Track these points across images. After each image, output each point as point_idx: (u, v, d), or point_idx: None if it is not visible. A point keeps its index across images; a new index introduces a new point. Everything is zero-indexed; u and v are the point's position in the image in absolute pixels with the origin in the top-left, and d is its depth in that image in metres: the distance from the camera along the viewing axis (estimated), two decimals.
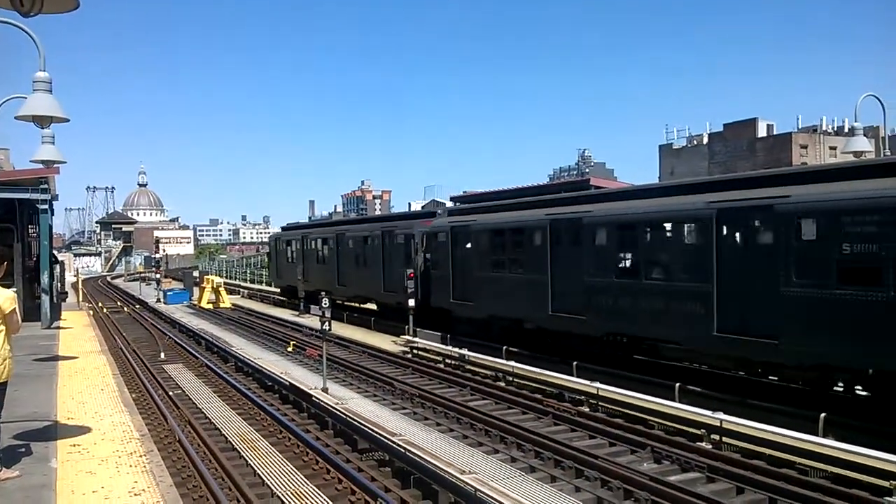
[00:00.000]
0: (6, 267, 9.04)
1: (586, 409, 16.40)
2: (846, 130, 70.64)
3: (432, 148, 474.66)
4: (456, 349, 22.83)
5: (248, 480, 11.70)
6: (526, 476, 11.79)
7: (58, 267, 38.76)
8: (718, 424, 13.41)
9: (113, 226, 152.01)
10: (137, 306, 49.68)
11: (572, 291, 19.26)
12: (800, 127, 79.86)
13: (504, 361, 20.47)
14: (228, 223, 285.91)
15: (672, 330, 16.27)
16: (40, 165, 19.37)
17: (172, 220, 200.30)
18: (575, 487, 11.54)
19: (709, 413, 13.69)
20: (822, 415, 12.73)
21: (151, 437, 12.61)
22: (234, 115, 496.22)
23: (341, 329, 29.58)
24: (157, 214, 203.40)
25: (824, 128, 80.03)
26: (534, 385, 18.76)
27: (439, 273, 26.33)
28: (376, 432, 13.45)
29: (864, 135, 20.45)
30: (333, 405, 15.73)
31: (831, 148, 73.32)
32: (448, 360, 22.99)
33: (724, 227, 15.19)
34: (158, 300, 50.97)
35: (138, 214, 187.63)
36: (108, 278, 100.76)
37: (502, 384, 19.58)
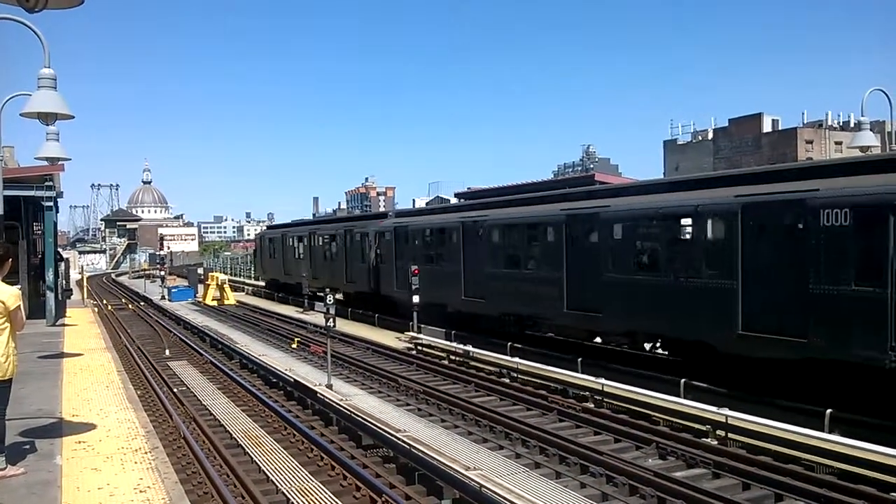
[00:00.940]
0: (11, 264, 9.03)
1: (591, 406, 16.38)
2: (852, 125, 70.39)
3: (437, 144, 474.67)
4: (460, 346, 22.83)
5: (253, 477, 11.70)
6: (531, 472, 11.76)
7: (62, 264, 38.86)
8: (724, 420, 13.38)
9: (117, 223, 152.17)
10: (142, 303, 49.75)
11: (477, 280, 24.26)
12: (805, 122, 79.61)
13: (508, 358, 20.45)
14: (233, 220, 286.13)
15: (541, 309, 21.28)
16: (45, 163, 19.41)
17: (177, 218, 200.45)
18: (580, 483, 11.52)
19: (714, 409, 13.66)
20: (829, 411, 12.69)
21: (156, 434, 12.61)
22: (238, 112, 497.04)
23: (345, 326, 29.56)
24: (161, 212, 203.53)
25: (830, 123, 79.70)
26: (538, 381, 18.74)
27: (386, 266, 31.43)
28: (381, 428, 13.44)
29: (871, 129, 20.34)
30: (338, 402, 15.74)
31: (837, 143, 73.06)
32: (452, 357, 22.98)
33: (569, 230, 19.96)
34: (163, 297, 51.03)
35: (143, 212, 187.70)
36: (113, 276, 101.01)
37: (507, 380, 19.56)
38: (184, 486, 10.04)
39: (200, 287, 50.76)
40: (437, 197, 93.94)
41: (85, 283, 49.13)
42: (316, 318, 30.06)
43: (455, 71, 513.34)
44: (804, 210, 13.51)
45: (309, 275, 40.56)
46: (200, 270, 58.19)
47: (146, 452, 10.51)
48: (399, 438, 12.66)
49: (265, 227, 58.66)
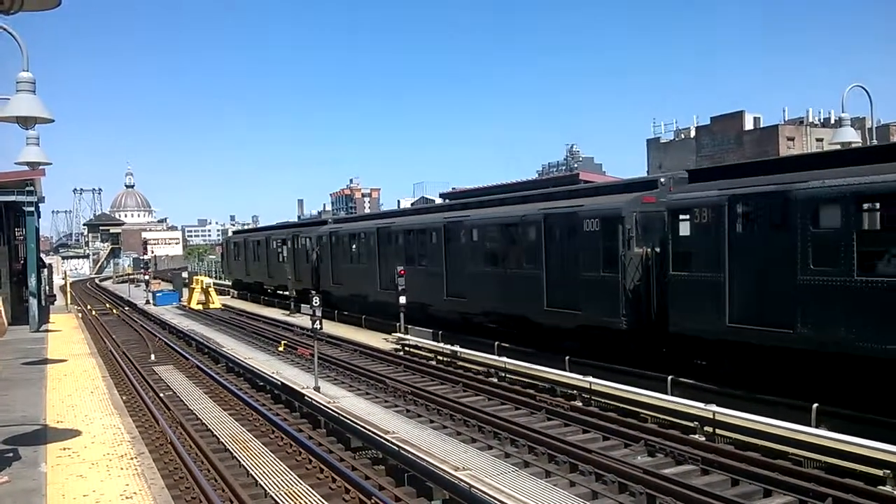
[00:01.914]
0: None
1: (579, 404, 16.40)
2: (832, 122, 70.94)
3: (422, 145, 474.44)
4: (447, 346, 22.82)
5: (241, 481, 11.63)
6: (520, 471, 11.76)
7: (45, 270, 38.54)
8: (711, 416, 13.43)
9: (100, 228, 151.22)
10: (126, 308, 49.39)
11: (391, 276, 28.55)
12: (786, 119, 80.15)
13: (496, 357, 20.45)
14: (217, 223, 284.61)
15: (430, 298, 26.84)
16: (25, 168, 19.18)
17: (160, 222, 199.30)
18: (569, 482, 11.52)
19: (701, 405, 13.72)
20: (815, 405, 12.77)
21: (143, 440, 12.54)
22: (222, 115, 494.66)
23: (332, 328, 29.48)
24: (144, 216, 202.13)
25: (811, 119, 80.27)
26: (526, 380, 18.75)
27: (324, 266, 37.22)
28: (369, 430, 13.39)
29: (851, 125, 20.48)
30: (326, 404, 15.67)
31: (818, 140, 73.62)
32: (440, 357, 22.95)
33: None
34: (147, 302, 50.68)
35: (126, 216, 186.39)
36: (97, 281, 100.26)
37: (495, 380, 19.56)
38: (171, 492, 9.96)
39: (185, 291, 50.46)
40: (422, 197, 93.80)
41: (68, 289, 48.77)
42: (303, 320, 29.95)
43: (441, 72, 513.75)
44: (574, 219, 19.58)
45: (265, 274, 46.75)
46: (185, 274, 57.90)
47: (132, 458, 10.43)
48: (388, 440, 12.62)
49: (231, 233, 70.97)
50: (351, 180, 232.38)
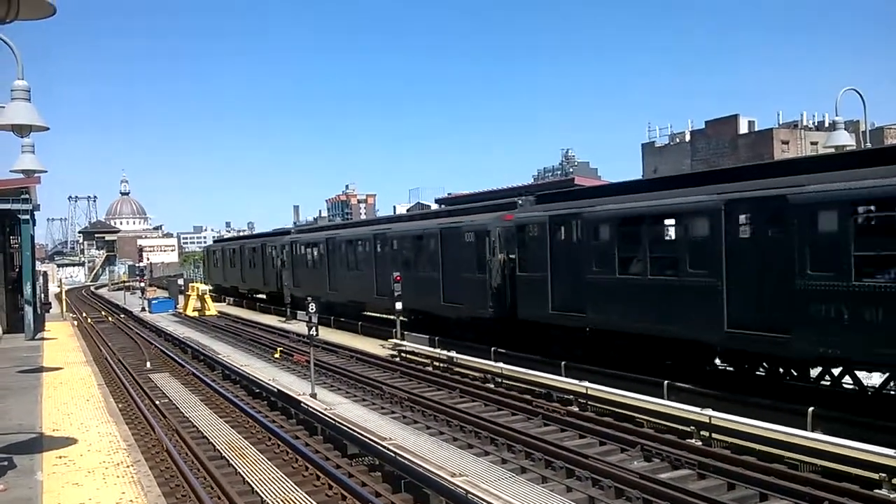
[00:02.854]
0: None
1: (576, 409, 16.40)
2: (826, 125, 71.16)
3: (418, 150, 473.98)
4: (444, 352, 22.81)
5: (238, 489, 11.62)
6: (517, 477, 11.75)
7: (41, 278, 38.51)
8: (707, 421, 13.44)
9: (96, 235, 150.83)
10: (122, 316, 49.30)
11: (336, 278, 34.94)
12: (780, 123, 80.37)
13: (492, 363, 20.46)
14: (213, 230, 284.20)
15: (363, 297, 32.68)
16: (20, 175, 19.17)
17: (156, 229, 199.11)
18: (566, 487, 11.53)
19: (697, 410, 13.73)
20: (811, 409, 12.80)
21: (138, 447, 12.53)
22: (218, 121, 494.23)
23: (328, 334, 29.48)
24: (140, 223, 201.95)
25: (805, 123, 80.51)
26: (522, 386, 18.76)
27: (287, 272, 41.33)
28: (366, 437, 13.38)
29: (845, 129, 20.57)
30: (322, 411, 15.65)
31: (812, 143, 73.82)
32: (436, 363, 22.94)
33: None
34: (143, 309, 50.59)
35: (121, 223, 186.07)
36: (92, 288, 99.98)
37: (491, 386, 19.56)
38: (167, 500, 9.96)
39: (181, 298, 50.39)
40: (418, 203, 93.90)
41: (64, 297, 48.61)
42: (299, 327, 29.93)
43: (436, 77, 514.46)
44: (459, 232, 24.66)
45: (240, 279, 52.17)
46: (181, 281, 57.88)
47: (128, 466, 10.41)
48: (384, 446, 12.61)
49: (212, 242, 78.72)
50: (347, 186, 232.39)
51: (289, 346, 28.07)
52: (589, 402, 16.46)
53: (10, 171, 18.72)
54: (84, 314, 49.77)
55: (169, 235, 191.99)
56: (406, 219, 30.69)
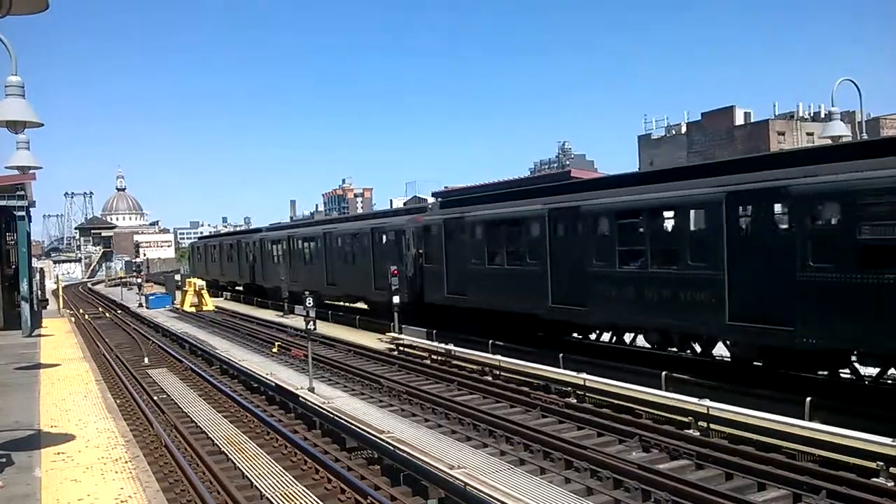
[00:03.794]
0: None
1: (573, 401, 16.42)
2: (822, 116, 71.17)
3: (415, 144, 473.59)
4: (442, 345, 22.82)
5: (237, 483, 11.61)
6: (515, 469, 11.78)
7: (37, 274, 38.43)
8: (705, 411, 13.46)
9: (92, 231, 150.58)
10: (119, 312, 49.25)
11: (296, 269, 40.42)
12: (777, 114, 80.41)
13: (490, 356, 20.48)
14: (209, 225, 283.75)
15: (316, 286, 34.64)
16: (16, 172, 19.11)
17: (152, 224, 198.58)
18: (565, 479, 11.55)
19: (695, 400, 13.75)
20: (808, 399, 12.82)
21: (137, 443, 12.52)
22: (214, 116, 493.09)
23: (326, 328, 29.47)
24: (136, 219, 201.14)
25: (801, 114, 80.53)
26: (521, 378, 18.77)
27: (258, 265, 47.52)
28: (365, 430, 13.40)
29: (841, 119, 20.56)
30: (320, 405, 15.67)
31: (808, 134, 73.86)
32: (434, 356, 22.96)
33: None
34: (140, 305, 50.55)
35: (118, 219, 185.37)
36: (89, 284, 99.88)
37: (489, 378, 19.57)
38: (166, 495, 9.95)
39: (178, 293, 50.35)
40: (415, 197, 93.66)
41: (61, 293, 48.57)
42: (296, 321, 29.92)
43: (432, 71, 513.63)
44: (384, 230, 31.38)
45: (220, 273, 57.55)
46: (178, 277, 57.88)
47: (127, 462, 10.41)
48: (383, 440, 12.63)
49: (196, 239, 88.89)
50: (343, 180, 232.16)
51: (286, 341, 28.07)
52: (587, 394, 16.49)
53: (6, 168, 18.64)
54: (81, 310, 49.73)
55: (165, 231, 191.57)
56: (353, 219, 38.75)
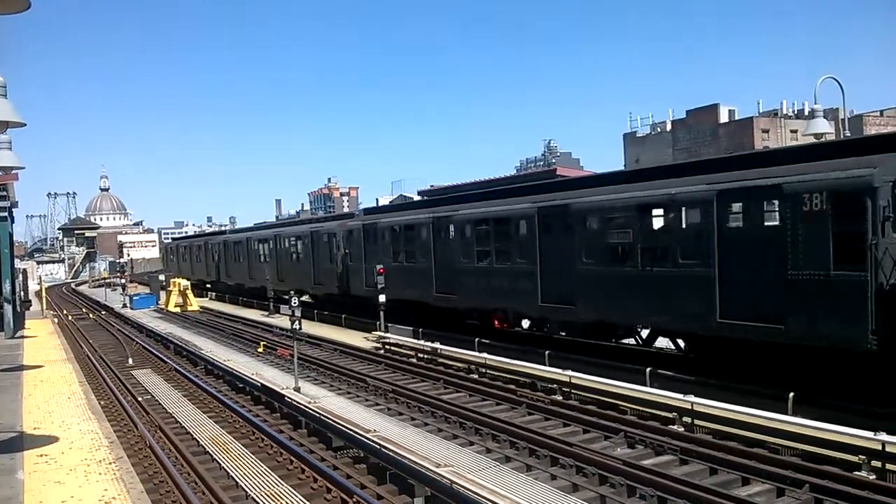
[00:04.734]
0: None
1: (559, 398, 16.47)
2: (806, 113, 71.65)
3: (401, 142, 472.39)
4: (428, 343, 22.83)
5: (222, 483, 11.57)
6: (501, 466, 11.78)
7: (20, 275, 38.14)
8: (690, 407, 13.55)
9: (76, 232, 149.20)
10: (103, 312, 48.90)
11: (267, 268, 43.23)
12: (760, 111, 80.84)
13: (476, 354, 20.50)
14: (194, 225, 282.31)
15: (303, 284, 37.02)
16: None
17: (136, 224, 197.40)
18: (551, 475, 11.59)
19: (679, 396, 13.83)
20: (791, 394, 12.92)
21: (121, 444, 12.44)
22: (197, 115, 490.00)
23: (312, 327, 29.39)
24: (120, 219, 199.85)
25: (785, 111, 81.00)
26: (506, 376, 18.81)
27: (222, 264, 52.48)
28: (351, 429, 13.38)
29: (825, 116, 20.73)
30: (306, 404, 15.63)
31: (792, 131, 74.29)
32: (420, 355, 22.96)
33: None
34: (124, 306, 50.20)
35: (101, 219, 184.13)
36: (73, 285, 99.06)
37: (475, 376, 19.60)
38: (150, 496, 9.90)
39: (162, 294, 50.08)
40: (401, 195, 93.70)
41: (44, 294, 48.24)
42: (281, 321, 29.84)
43: (417, 69, 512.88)
44: (321, 232, 35.89)
45: (190, 271, 60.53)
46: (162, 277, 57.57)
47: (111, 463, 10.35)
48: (369, 438, 12.62)
49: (171, 240, 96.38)
50: (329, 179, 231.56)
51: (272, 341, 27.98)
52: (572, 391, 16.55)
53: None
54: (65, 311, 49.38)
55: (150, 231, 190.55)
56: (298, 223, 44.76)
